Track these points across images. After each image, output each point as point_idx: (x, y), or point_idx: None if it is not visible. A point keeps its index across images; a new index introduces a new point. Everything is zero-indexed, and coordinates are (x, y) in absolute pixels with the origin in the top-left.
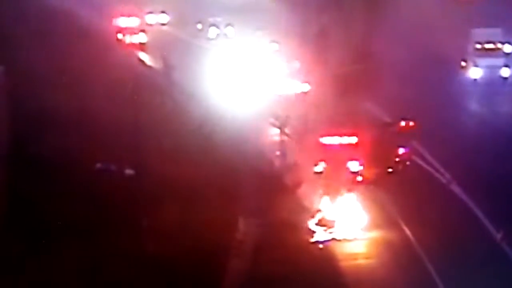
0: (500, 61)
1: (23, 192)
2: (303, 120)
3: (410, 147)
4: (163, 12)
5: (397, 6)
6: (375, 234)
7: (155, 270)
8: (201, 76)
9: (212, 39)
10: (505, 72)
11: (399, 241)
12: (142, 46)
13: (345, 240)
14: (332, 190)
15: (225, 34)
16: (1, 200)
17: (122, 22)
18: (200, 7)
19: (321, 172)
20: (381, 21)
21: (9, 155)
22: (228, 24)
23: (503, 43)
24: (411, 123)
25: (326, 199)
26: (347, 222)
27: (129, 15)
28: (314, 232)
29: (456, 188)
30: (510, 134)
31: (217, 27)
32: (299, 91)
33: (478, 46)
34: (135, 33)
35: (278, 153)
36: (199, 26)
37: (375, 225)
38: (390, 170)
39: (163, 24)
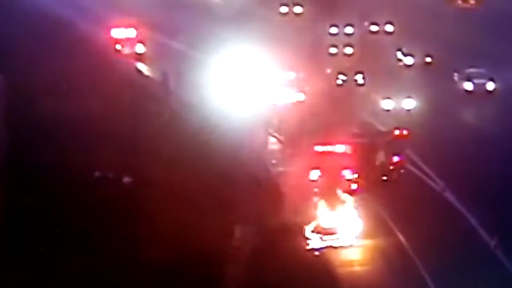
0: None
1: (21, 200)
2: (299, 129)
3: (404, 155)
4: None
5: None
6: (370, 241)
7: (152, 278)
8: (198, 85)
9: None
10: None
11: (394, 248)
12: (140, 57)
13: (341, 247)
14: (327, 198)
15: (355, 80)
16: None
17: (120, 32)
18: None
19: (316, 180)
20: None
21: (7, 164)
22: (358, 72)
23: None
24: (405, 132)
25: (321, 206)
26: (342, 230)
27: (127, 26)
28: (310, 239)
29: (450, 196)
30: (503, 141)
31: (345, 74)
32: (294, 100)
33: None
34: (133, 44)
35: (274, 161)
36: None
37: (370, 233)
38: (384, 178)
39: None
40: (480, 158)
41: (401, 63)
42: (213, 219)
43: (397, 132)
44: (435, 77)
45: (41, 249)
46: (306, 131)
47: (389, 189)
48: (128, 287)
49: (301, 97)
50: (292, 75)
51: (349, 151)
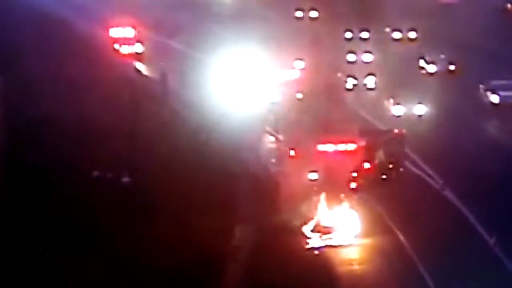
0: None
1: (20, 199)
2: (298, 128)
3: (403, 153)
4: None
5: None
6: (370, 240)
7: (152, 277)
8: (197, 85)
9: (349, 89)
10: None
11: (393, 247)
12: (138, 56)
13: (340, 246)
14: (326, 197)
15: (365, 84)
16: None
17: (119, 32)
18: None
19: (316, 179)
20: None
21: (7, 164)
22: (369, 74)
23: None
24: (404, 130)
25: (321, 205)
26: (342, 228)
27: (126, 26)
28: (309, 238)
29: (449, 194)
30: (501, 140)
31: (355, 78)
32: (294, 98)
33: None
34: (131, 43)
35: (273, 160)
36: (339, 74)
37: (369, 231)
38: (384, 176)
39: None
40: (481, 158)
41: (423, 71)
42: (213, 218)
43: (396, 130)
44: (457, 85)
45: (40, 248)
46: (305, 130)
47: (388, 187)
48: (128, 287)
49: (301, 95)
50: (291, 74)
51: (349, 150)
